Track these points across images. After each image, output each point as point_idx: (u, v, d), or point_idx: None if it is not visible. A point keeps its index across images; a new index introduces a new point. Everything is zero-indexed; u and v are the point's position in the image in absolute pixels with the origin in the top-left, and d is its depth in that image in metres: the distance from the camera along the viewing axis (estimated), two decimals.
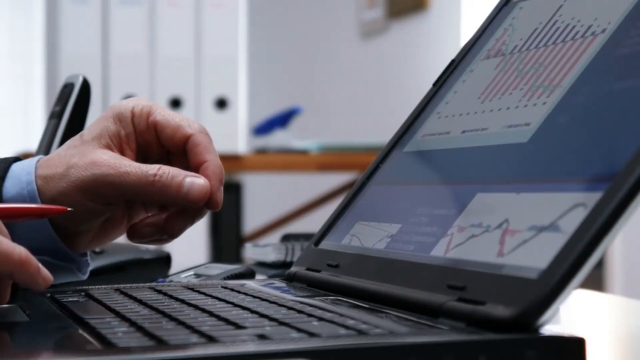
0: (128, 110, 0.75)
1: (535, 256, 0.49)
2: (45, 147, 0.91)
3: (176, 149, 0.75)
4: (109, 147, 0.74)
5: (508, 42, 0.69)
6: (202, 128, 0.75)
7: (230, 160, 2.31)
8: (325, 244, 0.73)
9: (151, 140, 0.75)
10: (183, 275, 0.86)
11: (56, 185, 0.73)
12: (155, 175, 0.72)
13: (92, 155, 0.73)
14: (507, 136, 0.61)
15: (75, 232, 0.75)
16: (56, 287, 0.71)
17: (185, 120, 0.75)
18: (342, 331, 0.48)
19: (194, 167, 0.74)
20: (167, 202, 0.74)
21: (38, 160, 0.74)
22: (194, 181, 0.72)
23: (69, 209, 0.69)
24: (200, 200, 0.72)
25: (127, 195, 0.73)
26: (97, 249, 0.86)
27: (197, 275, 0.86)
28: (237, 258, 2.18)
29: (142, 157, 0.76)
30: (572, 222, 0.48)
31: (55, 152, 0.76)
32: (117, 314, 0.56)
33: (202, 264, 0.89)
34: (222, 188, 0.74)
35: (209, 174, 0.73)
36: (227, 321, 0.51)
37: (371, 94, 3.92)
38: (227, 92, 2.28)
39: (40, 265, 0.63)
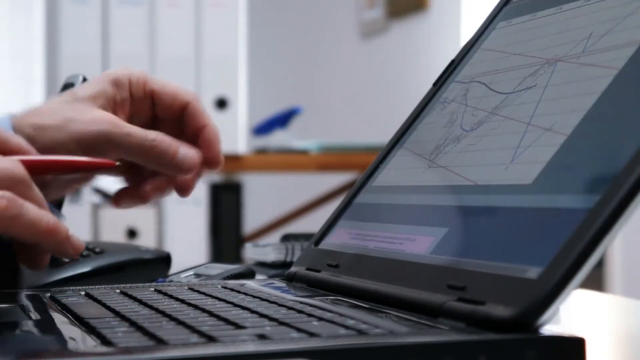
0: (125, 77, 0.78)
1: (535, 256, 0.49)
2: None
3: (171, 116, 0.78)
4: (104, 109, 0.76)
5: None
6: (195, 94, 0.79)
7: (230, 160, 2.31)
8: (325, 244, 0.73)
9: (144, 109, 0.78)
10: (183, 275, 0.86)
11: (53, 135, 0.74)
12: (154, 140, 0.75)
13: (93, 113, 0.75)
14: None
15: (46, 181, 0.75)
16: (56, 288, 0.71)
17: (179, 87, 0.79)
18: (342, 331, 0.48)
19: (193, 131, 0.77)
20: (160, 167, 0.76)
21: (13, 115, 0.75)
22: (188, 151, 0.76)
23: (117, 163, 0.71)
24: (192, 169, 0.76)
25: (126, 155, 0.75)
26: (97, 249, 0.86)
27: (197, 275, 0.86)
28: (237, 258, 2.18)
29: (132, 123, 0.78)
30: (572, 222, 0.48)
31: (43, 104, 0.78)
32: (117, 314, 0.56)
33: (202, 264, 0.89)
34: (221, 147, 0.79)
35: (211, 136, 0.77)
36: (227, 321, 0.51)
37: (371, 94, 3.93)
38: (227, 92, 2.28)
39: (70, 233, 0.64)
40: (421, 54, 3.56)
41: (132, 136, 0.74)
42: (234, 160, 2.31)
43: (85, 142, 0.74)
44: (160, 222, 2.21)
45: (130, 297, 0.64)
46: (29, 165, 0.66)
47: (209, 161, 0.77)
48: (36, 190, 0.66)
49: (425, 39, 3.55)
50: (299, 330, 0.48)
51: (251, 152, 2.49)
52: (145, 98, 0.78)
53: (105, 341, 0.48)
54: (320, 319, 0.52)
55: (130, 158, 0.76)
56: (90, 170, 0.74)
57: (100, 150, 0.74)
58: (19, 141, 0.69)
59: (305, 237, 0.99)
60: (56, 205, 0.81)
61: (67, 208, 0.86)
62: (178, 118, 0.78)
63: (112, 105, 0.77)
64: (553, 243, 0.48)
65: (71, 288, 0.71)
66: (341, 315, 0.53)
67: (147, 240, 2.13)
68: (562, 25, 0.64)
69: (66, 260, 0.81)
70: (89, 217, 2.18)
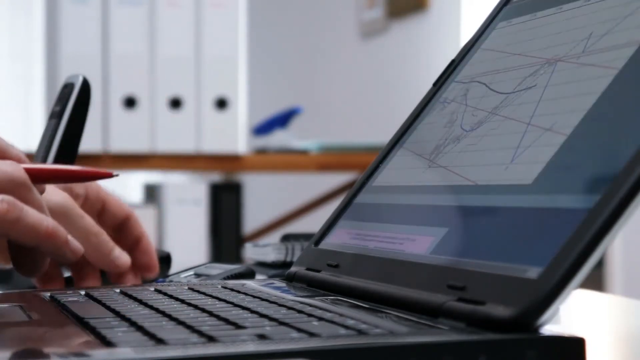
0: None
1: (535, 256, 0.49)
2: (45, 147, 0.91)
3: (112, 224, 0.84)
4: None
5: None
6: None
7: (230, 160, 2.31)
8: (325, 244, 0.73)
9: (92, 211, 0.82)
10: (183, 275, 0.86)
11: None
12: (98, 232, 0.80)
13: (56, 188, 0.79)
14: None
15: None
16: (56, 288, 0.71)
17: (122, 201, 0.86)
18: (342, 331, 0.48)
19: (132, 240, 0.84)
20: (95, 259, 0.80)
21: None
22: (122, 253, 0.82)
23: (114, 173, 0.73)
24: (122, 269, 0.81)
25: (71, 234, 0.78)
26: None
27: (197, 275, 0.86)
28: (237, 258, 2.18)
29: None
30: (572, 222, 0.48)
31: None
32: (117, 314, 0.56)
33: (202, 264, 0.89)
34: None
35: (148, 246, 0.85)
36: (227, 321, 0.51)
37: (371, 94, 3.93)
38: (227, 92, 2.28)
39: (69, 236, 0.65)
40: (421, 54, 3.56)
41: (84, 220, 0.79)
42: (234, 160, 2.31)
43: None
44: (160, 222, 2.21)
45: (130, 297, 0.64)
46: (30, 173, 0.67)
47: (146, 267, 0.85)
48: (36, 194, 0.66)
49: (425, 39, 3.55)
50: (299, 330, 0.48)
51: (251, 152, 2.49)
52: (97, 201, 0.83)
53: (105, 341, 0.48)
54: (320, 319, 0.52)
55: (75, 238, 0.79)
56: (89, 180, 0.75)
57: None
58: (18, 152, 0.69)
59: (305, 237, 0.98)
60: None
61: None
62: (117, 227, 0.84)
63: (69, 195, 0.82)
64: (553, 243, 0.48)
65: (71, 288, 0.71)
66: (341, 315, 0.53)
67: None
68: (562, 25, 0.64)
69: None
70: None
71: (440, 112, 0.72)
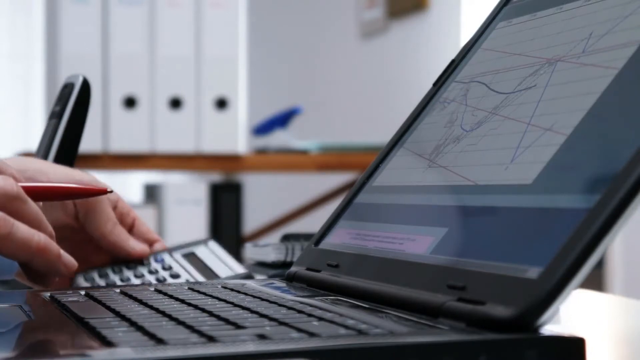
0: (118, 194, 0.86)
1: (535, 256, 0.49)
2: (45, 147, 0.91)
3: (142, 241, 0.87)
4: None
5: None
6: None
7: (230, 160, 2.30)
8: (325, 244, 0.73)
9: (123, 224, 0.85)
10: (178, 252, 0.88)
11: (50, 178, 0.79)
12: (116, 222, 0.83)
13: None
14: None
15: None
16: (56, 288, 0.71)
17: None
18: (342, 331, 0.48)
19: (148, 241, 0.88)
20: (110, 246, 0.83)
21: None
22: (138, 243, 0.85)
23: (109, 190, 0.74)
24: (139, 256, 0.85)
25: (94, 221, 0.82)
26: None
27: (188, 255, 0.88)
28: (237, 258, 2.18)
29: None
30: (572, 222, 0.48)
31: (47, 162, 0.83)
32: (117, 314, 0.56)
33: (200, 240, 0.92)
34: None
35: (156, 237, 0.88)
36: (227, 321, 0.51)
37: (371, 94, 3.93)
38: (227, 92, 2.28)
39: (61, 251, 0.64)
40: (421, 54, 3.56)
41: (109, 210, 0.82)
42: (234, 160, 2.31)
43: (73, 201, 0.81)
44: (160, 222, 2.21)
45: (130, 297, 0.64)
46: (25, 191, 0.66)
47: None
48: (31, 205, 0.66)
49: (425, 39, 3.55)
50: (299, 330, 0.48)
51: (251, 152, 2.49)
52: (128, 217, 0.86)
53: (105, 341, 0.48)
54: (320, 319, 0.52)
55: (95, 227, 0.82)
56: (85, 197, 0.76)
57: (83, 208, 0.82)
58: (13, 171, 0.69)
59: (305, 237, 0.98)
60: None
61: None
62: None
63: None
64: (553, 243, 0.48)
65: (71, 288, 0.71)
66: (341, 315, 0.53)
67: None
68: (562, 25, 0.64)
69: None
70: None
71: (440, 112, 0.72)
